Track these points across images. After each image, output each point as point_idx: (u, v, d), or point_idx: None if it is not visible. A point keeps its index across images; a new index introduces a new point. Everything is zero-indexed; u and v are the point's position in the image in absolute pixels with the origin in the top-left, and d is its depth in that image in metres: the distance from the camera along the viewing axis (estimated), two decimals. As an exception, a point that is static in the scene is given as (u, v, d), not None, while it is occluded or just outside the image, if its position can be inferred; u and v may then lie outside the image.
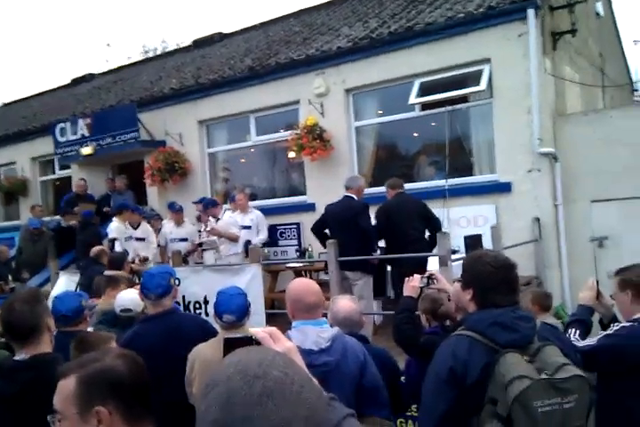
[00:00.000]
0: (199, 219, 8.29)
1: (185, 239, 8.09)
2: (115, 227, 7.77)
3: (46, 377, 2.26)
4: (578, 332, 2.77)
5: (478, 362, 2.05)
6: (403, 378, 3.42)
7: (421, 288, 3.23)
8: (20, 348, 2.44)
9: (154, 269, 3.88)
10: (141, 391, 1.54)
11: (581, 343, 2.71)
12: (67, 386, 1.50)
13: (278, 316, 5.56)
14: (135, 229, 7.82)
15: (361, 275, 5.72)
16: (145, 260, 7.28)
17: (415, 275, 3.28)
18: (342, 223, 5.78)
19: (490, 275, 2.20)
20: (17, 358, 2.44)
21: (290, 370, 1.01)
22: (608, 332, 2.76)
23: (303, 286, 2.77)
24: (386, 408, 2.69)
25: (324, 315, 2.87)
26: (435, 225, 5.84)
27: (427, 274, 3.26)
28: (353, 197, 6.03)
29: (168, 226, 8.26)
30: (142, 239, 7.82)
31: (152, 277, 3.55)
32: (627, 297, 2.78)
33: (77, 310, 3.34)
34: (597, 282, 3.01)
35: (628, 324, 2.75)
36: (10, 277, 8.39)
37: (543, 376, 1.94)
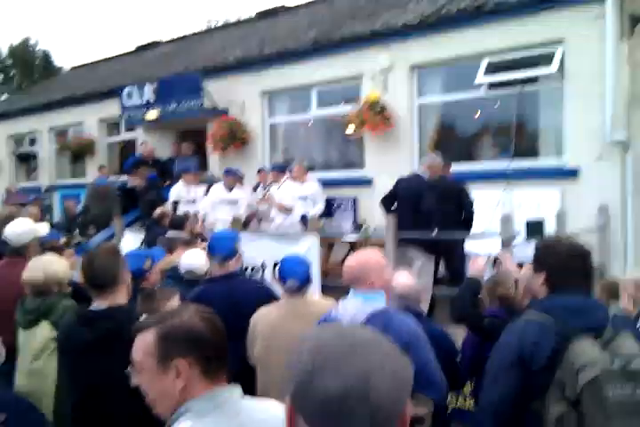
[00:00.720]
0: (255, 188, 8.44)
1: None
2: (176, 191, 7.99)
3: (124, 326, 2.34)
4: None
5: (547, 347, 2.04)
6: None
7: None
8: (98, 297, 2.53)
9: (220, 232, 4.01)
10: (219, 347, 1.60)
11: None
12: (146, 339, 1.57)
13: (332, 288, 5.63)
14: (230, 191, 8.01)
15: (423, 253, 5.73)
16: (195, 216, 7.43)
17: (480, 255, 3.27)
18: (408, 199, 5.83)
19: (565, 261, 2.19)
20: (94, 307, 2.54)
21: (379, 336, 1.05)
22: None
23: (352, 259, 2.74)
24: (432, 388, 2.55)
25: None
26: (467, 208, 5.86)
27: (493, 255, 3.24)
28: (420, 174, 6.06)
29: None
30: (234, 202, 7.99)
31: (219, 239, 3.67)
32: None
33: (139, 272, 3.44)
34: None
35: None
36: (77, 232, 8.75)
37: (616, 364, 1.92)
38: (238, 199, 8.00)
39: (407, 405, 0.99)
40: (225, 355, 1.63)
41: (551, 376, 2.00)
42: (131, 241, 6.67)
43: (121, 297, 2.58)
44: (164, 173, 9.78)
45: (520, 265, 3.32)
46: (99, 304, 2.53)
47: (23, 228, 4.22)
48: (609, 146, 6.54)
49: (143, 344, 1.58)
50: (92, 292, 2.59)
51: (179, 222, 6.07)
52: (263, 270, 5.97)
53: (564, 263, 2.19)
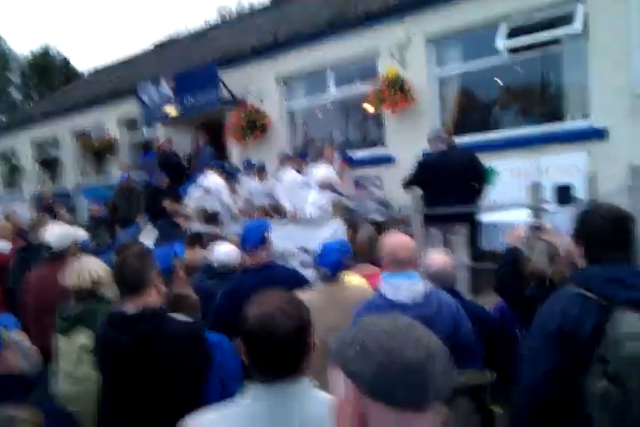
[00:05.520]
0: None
1: (268, 194, 8.30)
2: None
3: (156, 329, 2.40)
4: None
5: (589, 320, 1.96)
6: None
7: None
8: (129, 299, 2.51)
9: (250, 222, 4.01)
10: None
11: None
12: None
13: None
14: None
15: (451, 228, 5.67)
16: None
17: (520, 224, 3.15)
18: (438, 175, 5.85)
19: (600, 227, 2.07)
20: (125, 309, 2.50)
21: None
22: None
23: (398, 240, 2.75)
24: (480, 360, 2.67)
25: None
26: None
27: (534, 223, 3.11)
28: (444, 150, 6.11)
29: (252, 182, 8.48)
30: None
31: (250, 230, 3.67)
32: None
33: (169, 270, 3.44)
34: None
35: None
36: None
37: None
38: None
39: None
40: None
41: (593, 350, 1.92)
42: (148, 237, 6.70)
43: (152, 299, 2.55)
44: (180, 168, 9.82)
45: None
46: (130, 307, 2.51)
47: (62, 232, 4.28)
48: (637, 101, 6.31)
49: None
50: (122, 294, 2.57)
51: (213, 217, 6.10)
52: (293, 256, 5.98)
53: (598, 231, 2.08)
